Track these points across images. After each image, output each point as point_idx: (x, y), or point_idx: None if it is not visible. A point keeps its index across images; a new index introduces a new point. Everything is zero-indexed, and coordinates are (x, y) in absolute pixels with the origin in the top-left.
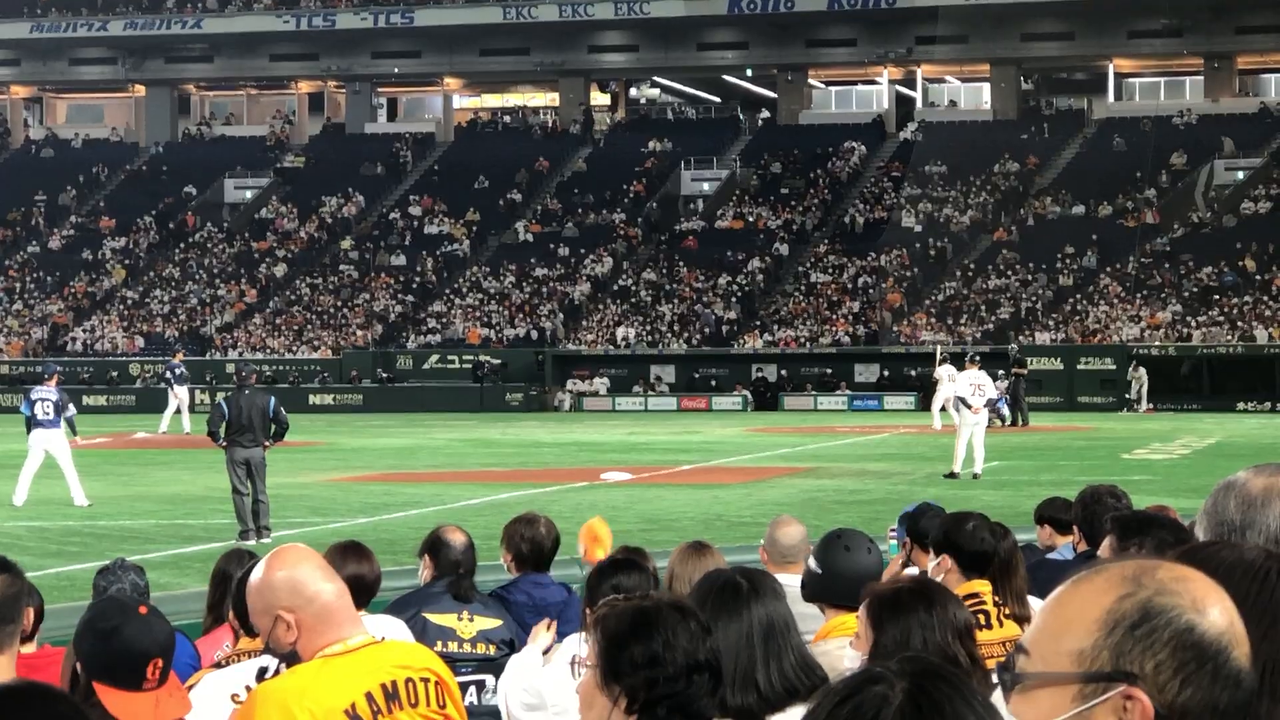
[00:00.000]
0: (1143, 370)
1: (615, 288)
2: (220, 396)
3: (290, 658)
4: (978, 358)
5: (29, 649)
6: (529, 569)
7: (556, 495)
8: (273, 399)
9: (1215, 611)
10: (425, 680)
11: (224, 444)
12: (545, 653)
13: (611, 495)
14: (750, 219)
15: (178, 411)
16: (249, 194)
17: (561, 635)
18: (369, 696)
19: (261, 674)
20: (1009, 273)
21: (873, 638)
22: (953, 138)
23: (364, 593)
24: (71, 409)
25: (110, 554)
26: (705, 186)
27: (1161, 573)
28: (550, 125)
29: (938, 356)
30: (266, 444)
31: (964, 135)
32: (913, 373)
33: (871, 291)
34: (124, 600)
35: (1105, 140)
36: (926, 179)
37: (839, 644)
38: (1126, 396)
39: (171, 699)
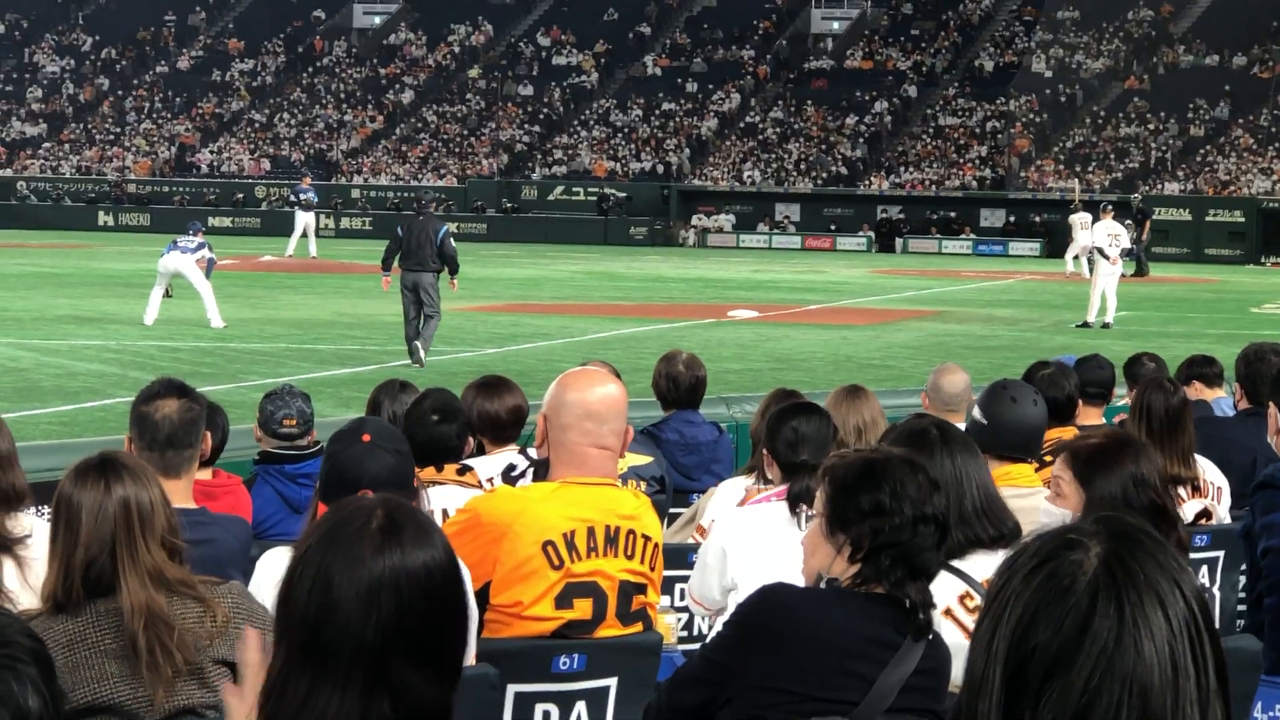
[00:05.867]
0: None
1: (742, 125)
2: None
3: (542, 466)
4: (1110, 207)
5: (204, 475)
6: (678, 406)
7: (685, 331)
8: (445, 227)
9: None
10: (647, 539)
11: (390, 274)
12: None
13: (739, 333)
14: (879, 60)
15: (304, 235)
16: (378, 20)
17: (713, 475)
18: (590, 530)
19: (509, 470)
20: (1139, 122)
21: (1083, 495)
22: None
23: (518, 425)
24: (212, 255)
25: (243, 377)
26: (835, 25)
27: None
28: None
29: (1076, 198)
30: (436, 268)
31: None
32: (1039, 219)
33: (1000, 136)
34: (357, 427)
35: None
36: (1058, 24)
37: (1007, 494)
38: None
39: None
